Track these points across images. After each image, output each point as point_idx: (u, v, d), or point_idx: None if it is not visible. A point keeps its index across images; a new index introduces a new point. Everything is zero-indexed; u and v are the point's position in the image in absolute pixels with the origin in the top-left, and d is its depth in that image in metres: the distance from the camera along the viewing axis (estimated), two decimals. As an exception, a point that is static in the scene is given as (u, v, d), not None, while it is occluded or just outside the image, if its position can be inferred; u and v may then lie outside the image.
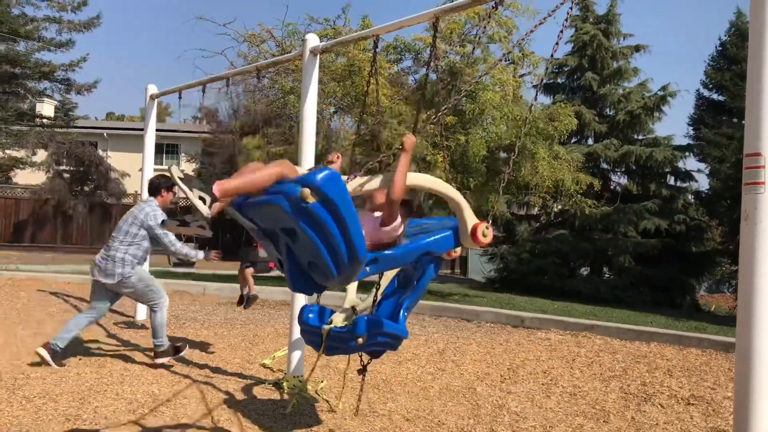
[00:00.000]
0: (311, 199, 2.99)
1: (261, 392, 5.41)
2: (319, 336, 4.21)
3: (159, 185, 6.32)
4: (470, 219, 3.72)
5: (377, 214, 3.75)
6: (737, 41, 25.01)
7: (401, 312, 4.25)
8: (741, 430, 3.11)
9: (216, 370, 6.06)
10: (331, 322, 4.24)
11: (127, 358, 6.30)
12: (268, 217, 3.31)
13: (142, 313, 8.41)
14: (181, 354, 6.19)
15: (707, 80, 26.58)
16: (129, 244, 5.99)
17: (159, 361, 6.06)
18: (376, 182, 3.62)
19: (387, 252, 3.63)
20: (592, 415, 5.20)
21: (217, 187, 3.11)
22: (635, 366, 6.92)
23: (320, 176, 3.05)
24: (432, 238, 3.84)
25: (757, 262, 3.04)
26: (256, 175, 3.21)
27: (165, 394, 5.13)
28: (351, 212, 3.14)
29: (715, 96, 26.31)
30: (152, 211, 6.11)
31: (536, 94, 4.14)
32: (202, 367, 6.14)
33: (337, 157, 3.96)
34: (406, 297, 4.38)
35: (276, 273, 6.84)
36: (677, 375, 6.62)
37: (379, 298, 4.35)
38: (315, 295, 4.51)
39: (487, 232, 3.68)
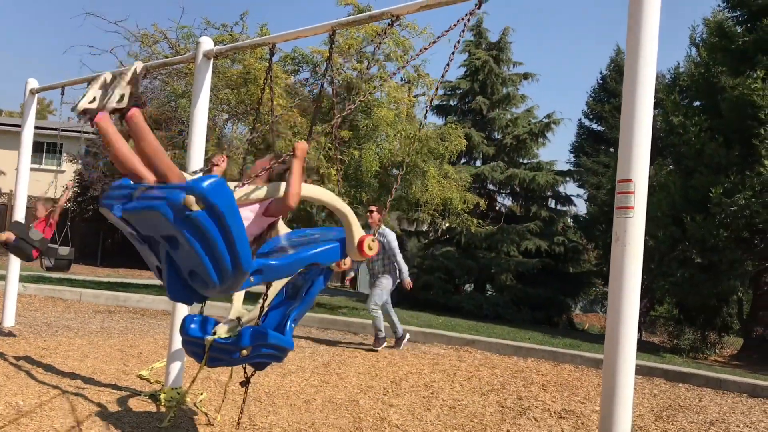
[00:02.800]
0: (196, 207, 2.89)
1: (136, 404, 5.18)
2: (202, 347, 4.08)
3: None
4: (357, 232, 3.75)
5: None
6: (616, 76, 26.70)
7: (288, 323, 4.19)
8: (605, 441, 3.29)
9: (89, 380, 5.76)
10: (214, 333, 4.13)
11: (-11, 368, 5.88)
12: (149, 223, 3.16)
13: (10, 318, 7.89)
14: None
15: (588, 111, 28.17)
16: None
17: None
18: (262, 191, 3.56)
19: (272, 262, 3.57)
20: (470, 428, 5.34)
21: (97, 119, 3.08)
22: (513, 380, 7.18)
23: (206, 183, 2.93)
24: (318, 249, 3.82)
25: (625, 280, 3.25)
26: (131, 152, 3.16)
27: (30, 405, 4.82)
28: (237, 221, 3.06)
29: (594, 126, 27.92)
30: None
31: (426, 113, 4.24)
32: (73, 377, 5.82)
33: (222, 160, 3.87)
34: (294, 308, 4.33)
35: (146, 279, 6.62)
36: (551, 390, 6.92)
37: (266, 309, 4.28)
38: (199, 305, 4.38)
39: (372, 245, 3.73)
